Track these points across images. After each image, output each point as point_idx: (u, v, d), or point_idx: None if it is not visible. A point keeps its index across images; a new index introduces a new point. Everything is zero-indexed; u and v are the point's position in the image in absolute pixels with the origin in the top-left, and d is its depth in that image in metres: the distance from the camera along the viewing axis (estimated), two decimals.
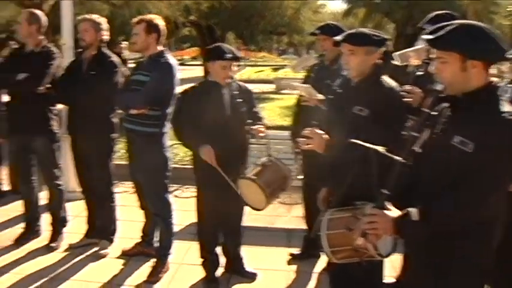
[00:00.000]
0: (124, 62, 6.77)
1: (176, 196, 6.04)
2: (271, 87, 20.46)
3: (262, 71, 31.76)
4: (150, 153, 4.22)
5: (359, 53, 2.99)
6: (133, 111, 4.11)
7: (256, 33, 21.58)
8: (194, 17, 16.83)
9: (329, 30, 4.21)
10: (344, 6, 27.54)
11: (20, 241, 5.05)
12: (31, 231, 5.15)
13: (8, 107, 4.99)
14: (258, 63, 39.29)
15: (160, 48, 4.25)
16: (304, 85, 4.16)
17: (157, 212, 4.42)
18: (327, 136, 2.91)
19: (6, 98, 5.17)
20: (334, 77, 3.66)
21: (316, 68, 4.41)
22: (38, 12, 4.93)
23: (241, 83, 4.20)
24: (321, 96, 3.80)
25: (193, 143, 3.96)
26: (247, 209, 4.14)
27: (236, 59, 3.98)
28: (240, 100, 4.00)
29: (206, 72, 4.40)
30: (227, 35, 20.69)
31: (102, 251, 4.81)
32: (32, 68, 4.58)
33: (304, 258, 4.69)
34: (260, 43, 30.22)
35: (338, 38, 3.12)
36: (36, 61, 4.66)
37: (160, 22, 4.26)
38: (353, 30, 3.15)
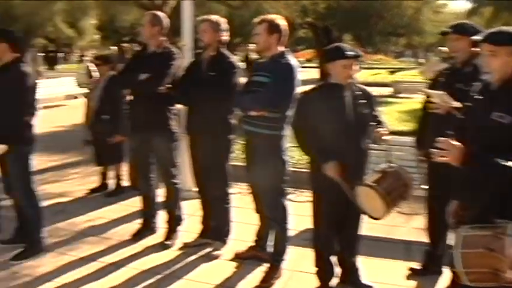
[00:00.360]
0: (251, 64, 6.78)
1: (291, 200, 5.91)
2: (388, 90, 19.88)
3: (378, 73, 31.04)
4: (268, 156, 4.13)
5: (501, 53, 2.68)
6: (252, 113, 4.05)
7: (374, 34, 20.99)
8: (311, 18, 16.69)
9: (463, 29, 3.86)
10: (467, 6, 26.17)
11: (137, 236, 5.19)
12: (148, 228, 5.26)
13: (130, 106, 5.13)
14: (374, 66, 38.53)
15: (281, 48, 4.14)
16: (438, 92, 3.82)
17: (272, 216, 4.32)
18: (463, 147, 2.63)
19: (128, 98, 5.32)
20: (467, 80, 3.36)
21: (446, 72, 4.08)
22: (160, 14, 5.02)
23: (361, 86, 3.99)
24: (456, 104, 3.48)
25: (317, 155, 3.82)
26: (364, 217, 3.92)
27: (357, 57, 3.79)
28: (363, 101, 3.80)
29: (322, 74, 4.25)
30: (344, 37, 20.32)
31: (215, 252, 4.80)
32: (153, 69, 4.67)
33: (425, 274, 4.37)
34: (377, 45, 29.45)
35: (477, 37, 2.83)
36: (157, 62, 4.74)
37: (282, 22, 4.16)
38: (495, 29, 2.83)
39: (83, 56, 28.58)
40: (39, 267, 4.59)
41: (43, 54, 34.72)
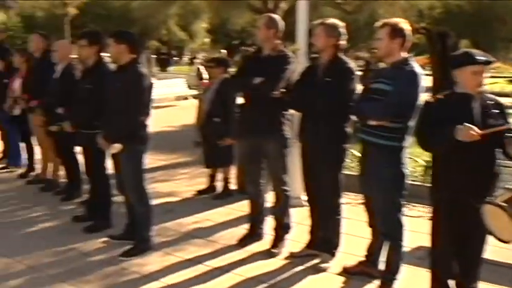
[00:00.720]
0: (368, 70, 6.58)
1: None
2: (508, 100, 18.67)
3: (496, 82, 29.34)
4: (386, 168, 3.89)
5: None
6: (372, 122, 3.82)
7: (494, 40, 19.62)
8: (426, 23, 15.98)
9: None
10: None
11: (243, 242, 5.12)
12: (254, 234, 5.18)
13: (242, 109, 5.07)
14: (491, 74, 36.50)
15: (404, 54, 3.89)
16: None
17: (387, 232, 4.07)
18: None
19: (240, 101, 5.28)
20: None
21: None
22: (276, 16, 4.92)
23: (491, 95, 3.65)
24: None
25: (443, 137, 3.39)
26: (489, 239, 3.58)
27: (489, 63, 3.47)
28: (496, 111, 3.47)
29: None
30: (460, 43, 19.25)
31: (322, 265, 4.61)
32: (267, 72, 4.56)
33: None
34: (497, 52, 27.76)
35: None
36: (272, 65, 4.63)
37: (405, 26, 3.90)
38: None
39: (194, 58, 29.44)
40: (147, 266, 4.65)
41: (155, 56, 36.13)
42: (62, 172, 6.95)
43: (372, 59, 12.29)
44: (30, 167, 7.85)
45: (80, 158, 6.02)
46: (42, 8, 30.05)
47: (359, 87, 4.35)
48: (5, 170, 8.16)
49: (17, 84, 7.35)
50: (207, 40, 41.79)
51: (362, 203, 4.44)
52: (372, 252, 4.39)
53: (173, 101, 18.13)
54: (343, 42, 4.47)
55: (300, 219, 5.35)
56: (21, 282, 4.40)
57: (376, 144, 3.89)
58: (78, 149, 6.13)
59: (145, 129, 4.74)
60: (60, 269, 4.61)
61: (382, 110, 3.77)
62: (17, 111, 7.38)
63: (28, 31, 20.76)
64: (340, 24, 4.49)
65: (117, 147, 4.65)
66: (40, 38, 7.01)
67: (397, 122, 3.79)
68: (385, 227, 4.08)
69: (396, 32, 3.87)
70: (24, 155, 8.03)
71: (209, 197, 6.69)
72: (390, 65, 3.92)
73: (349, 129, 4.44)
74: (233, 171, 6.81)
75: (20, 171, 7.96)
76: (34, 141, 7.56)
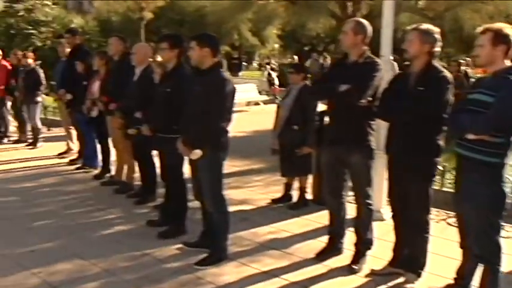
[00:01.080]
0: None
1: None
2: None
3: None
4: (484, 186, 3.58)
5: None
6: (470, 136, 3.53)
7: None
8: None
9: None
10: None
11: (321, 256, 4.90)
12: (333, 248, 4.95)
13: (325, 117, 4.86)
14: None
15: (508, 63, 3.59)
16: None
17: (481, 254, 3.75)
18: None
19: (320, 108, 5.07)
20: None
21: None
22: (364, 22, 4.68)
23: None
24: None
25: None
26: None
27: None
28: None
29: None
30: None
31: (407, 285, 4.32)
32: (354, 80, 4.33)
33: None
34: None
35: None
36: (359, 72, 4.40)
37: (510, 32, 3.59)
38: None
39: (268, 63, 29.45)
40: (222, 276, 4.53)
41: (226, 61, 36.39)
42: (136, 175, 6.96)
43: (452, 67, 11.75)
44: (106, 168, 7.93)
45: (157, 162, 5.98)
46: (118, 12, 30.94)
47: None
48: (80, 170, 8.28)
49: (95, 86, 7.44)
50: (276, 46, 41.89)
51: (455, 223, 4.18)
52: (463, 276, 4.08)
53: (244, 106, 18.09)
54: (437, 49, 4.18)
55: (381, 234, 5.09)
56: (97, 286, 4.37)
57: (474, 159, 3.59)
58: (155, 153, 6.10)
59: (226, 135, 4.62)
60: (135, 275, 4.56)
61: (483, 123, 3.46)
62: (94, 113, 7.49)
63: (104, 35, 21.34)
64: (435, 29, 4.20)
65: (197, 153, 4.54)
66: (119, 41, 7.08)
67: (498, 137, 3.48)
68: (480, 249, 3.76)
69: (499, 38, 3.57)
70: (100, 156, 8.13)
71: (284, 206, 6.49)
72: (492, 74, 3.62)
73: (441, 142, 4.14)
74: (309, 181, 6.60)
75: (96, 172, 8.05)
76: (110, 143, 7.63)
